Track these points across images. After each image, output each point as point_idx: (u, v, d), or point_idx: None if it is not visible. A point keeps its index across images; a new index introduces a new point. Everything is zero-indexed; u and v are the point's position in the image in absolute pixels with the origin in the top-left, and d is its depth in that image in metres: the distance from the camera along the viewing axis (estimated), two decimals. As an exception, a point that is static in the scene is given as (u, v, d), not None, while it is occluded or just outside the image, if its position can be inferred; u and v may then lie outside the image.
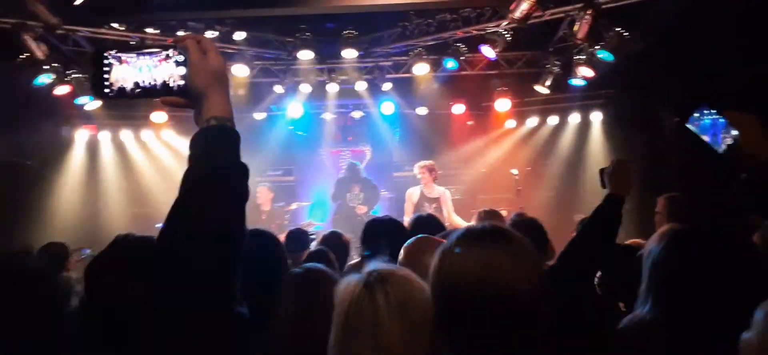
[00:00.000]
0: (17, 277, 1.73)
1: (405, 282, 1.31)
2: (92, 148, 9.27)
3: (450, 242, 1.26)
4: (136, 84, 1.11)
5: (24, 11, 5.99)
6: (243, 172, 1.08)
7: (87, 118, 8.86)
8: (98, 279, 1.57)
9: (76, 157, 9.06)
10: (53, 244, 4.02)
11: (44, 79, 6.78)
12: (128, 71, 1.11)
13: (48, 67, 6.72)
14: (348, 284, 1.33)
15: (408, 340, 1.24)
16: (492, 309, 1.15)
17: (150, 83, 1.11)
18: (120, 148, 9.44)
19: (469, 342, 1.18)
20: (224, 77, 1.12)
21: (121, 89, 1.11)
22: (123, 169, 9.40)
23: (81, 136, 9.13)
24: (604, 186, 2.34)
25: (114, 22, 6.78)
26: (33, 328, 1.69)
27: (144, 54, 1.12)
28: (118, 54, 1.12)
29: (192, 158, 1.07)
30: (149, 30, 7.02)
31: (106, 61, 1.11)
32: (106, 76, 1.11)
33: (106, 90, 1.11)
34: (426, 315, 1.27)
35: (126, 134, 9.41)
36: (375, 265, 1.36)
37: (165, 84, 1.11)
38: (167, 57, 1.11)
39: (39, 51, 6.38)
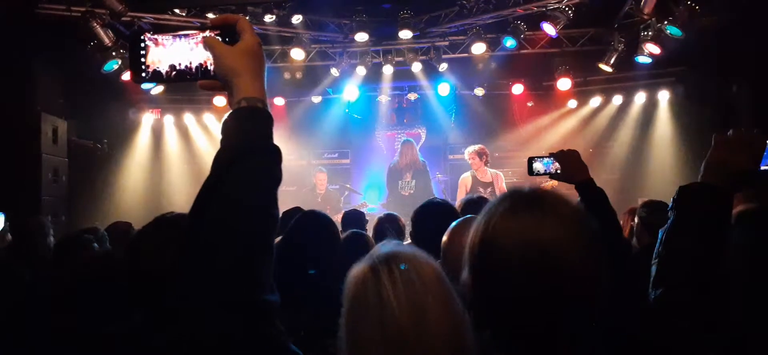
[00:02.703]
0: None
1: (411, 260, 1.24)
2: (157, 131, 9.63)
3: (493, 204, 1.15)
4: (173, 67, 1.10)
5: (92, -1, 6.25)
6: (274, 155, 1.04)
7: (152, 101, 9.21)
8: (137, 252, 1.64)
9: (142, 140, 9.44)
10: (119, 223, 4.17)
11: (112, 64, 7.06)
12: (164, 54, 1.10)
13: (115, 53, 6.99)
14: (355, 269, 1.27)
15: (415, 318, 1.17)
16: (539, 278, 1.03)
17: (186, 66, 1.10)
18: (183, 131, 9.75)
19: (511, 316, 1.07)
20: (258, 58, 1.08)
21: (157, 72, 1.10)
22: (185, 151, 9.72)
23: (147, 119, 9.49)
24: (531, 173, 2.52)
25: (176, 7, 6.96)
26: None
27: (180, 37, 1.11)
28: (155, 37, 1.11)
29: (222, 141, 1.04)
30: (210, 15, 7.17)
31: (142, 44, 1.11)
32: (142, 59, 1.10)
33: (143, 73, 1.11)
34: (434, 292, 1.20)
35: (189, 118, 9.71)
36: (382, 247, 1.29)
37: (201, 66, 1.10)
38: (204, 39, 1.10)
39: (106, 38, 6.65)
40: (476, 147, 7.20)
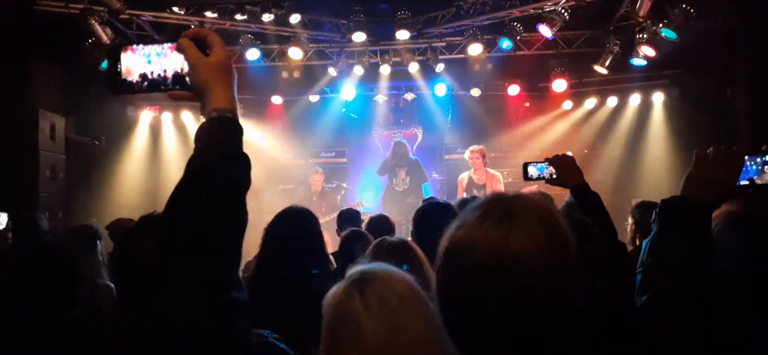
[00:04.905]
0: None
1: (384, 279, 1.28)
2: (155, 128, 9.63)
3: (467, 211, 1.11)
4: (147, 77, 1.16)
5: (91, -4, 6.26)
6: (243, 162, 1.11)
7: (150, 99, 9.21)
8: (122, 252, 1.73)
9: (140, 137, 9.45)
10: (123, 219, 4.19)
11: (110, 62, 7.07)
12: (141, 65, 1.16)
13: (113, 50, 7.00)
14: (333, 290, 1.31)
15: (392, 335, 1.21)
16: (503, 290, 0.99)
17: (159, 75, 1.16)
18: (181, 129, 9.75)
19: (470, 327, 1.04)
20: (229, 71, 1.15)
21: (132, 83, 1.16)
22: (183, 149, 9.71)
23: (145, 117, 9.50)
24: (526, 178, 2.56)
25: (174, 5, 6.98)
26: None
27: (156, 51, 1.16)
28: (132, 48, 1.16)
29: (195, 148, 1.11)
30: (208, 13, 7.20)
31: (119, 57, 1.16)
32: (119, 71, 1.16)
33: (119, 85, 1.16)
34: (410, 306, 1.24)
35: (187, 115, 9.70)
36: (356, 267, 1.33)
37: (176, 76, 1.16)
38: (178, 43, 1.15)
39: (104, 35, 6.66)
40: (477, 147, 7.24)
